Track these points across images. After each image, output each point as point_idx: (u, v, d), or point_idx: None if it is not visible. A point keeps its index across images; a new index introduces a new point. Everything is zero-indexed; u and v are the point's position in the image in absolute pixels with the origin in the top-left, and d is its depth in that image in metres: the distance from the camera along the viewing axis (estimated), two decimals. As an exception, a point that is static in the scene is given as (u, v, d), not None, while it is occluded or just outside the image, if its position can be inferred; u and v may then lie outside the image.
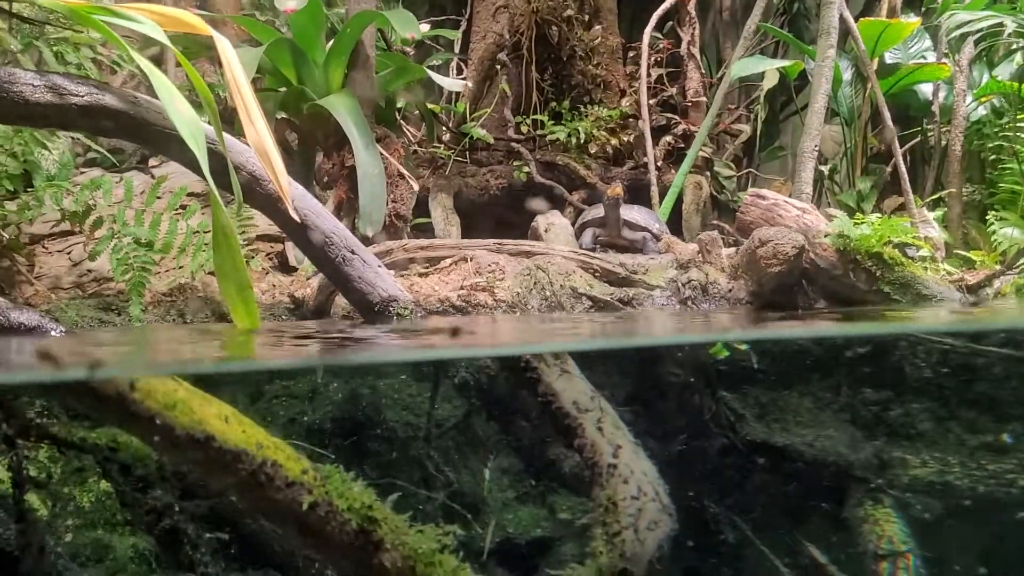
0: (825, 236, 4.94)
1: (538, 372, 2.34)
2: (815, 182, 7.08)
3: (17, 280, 4.56)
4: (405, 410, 4.10)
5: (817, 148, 5.69)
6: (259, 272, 5.55)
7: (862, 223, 4.88)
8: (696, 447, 3.69)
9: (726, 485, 3.81)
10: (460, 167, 7.72)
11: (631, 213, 5.67)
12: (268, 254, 5.74)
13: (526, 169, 7.49)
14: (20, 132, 4.23)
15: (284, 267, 5.88)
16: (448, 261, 4.76)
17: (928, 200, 5.74)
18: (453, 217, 6.73)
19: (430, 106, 7.69)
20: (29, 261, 4.73)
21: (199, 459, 1.78)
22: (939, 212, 5.66)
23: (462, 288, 4.46)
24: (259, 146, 2.49)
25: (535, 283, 4.65)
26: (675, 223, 7.10)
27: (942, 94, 5.98)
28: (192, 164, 2.54)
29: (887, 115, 5.50)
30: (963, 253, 5.19)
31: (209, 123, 2.58)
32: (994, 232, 5.05)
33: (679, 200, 7.20)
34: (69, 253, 5.02)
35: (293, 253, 6.05)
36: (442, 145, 7.74)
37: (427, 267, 4.78)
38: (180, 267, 5.11)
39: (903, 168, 5.49)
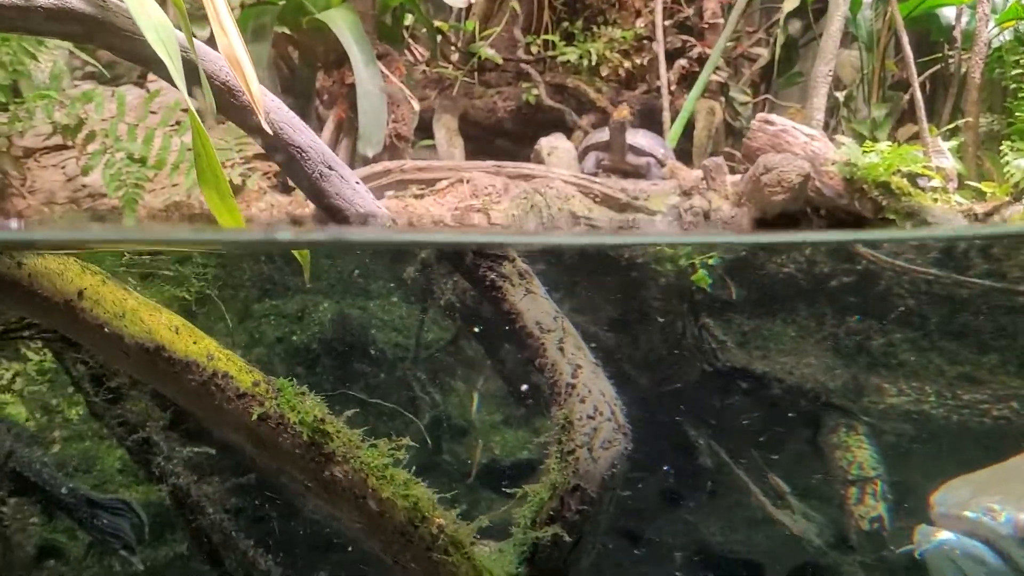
0: (832, 164, 4.82)
1: (503, 291, 2.30)
2: (832, 109, 6.89)
3: (9, 193, 4.54)
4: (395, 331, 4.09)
5: (831, 73, 5.51)
6: (256, 192, 5.50)
7: (870, 151, 4.75)
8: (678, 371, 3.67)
9: (707, 409, 3.82)
10: (468, 88, 7.55)
11: (636, 138, 5.55)
12: (266, 173, 5.67)
13: (535, 91, 7.31)
14: (7, 41, 4.15)
15: (285, 187, 5.82)
16: (445, 183, 4.68)
17: (944, 129, 5.57)
18: (457, 139, 6.61)
19: (438, 24, 7.50)
20: (21, 174, 4.70)
21: (148, 369, 1.76)
22: (955, 142, 5.49)
23: (456, 210, 4.39)
24: (231, 55, 2.41)
25: (532, 206, 4.57)
26: (686, 149, 6.95)
27: (964, 18, 5.75)
28: (165, 72, 2.46)
29: (905, 39, 5.30)
30: (974, 184, 5.05)
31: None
32: (1007, 163, 4.90)
33: (691, 126, 7.04)
34: (63, 167, 4.98)
35: (294, 172, 5.99)
36: (451, 65, 7.55)
37: (423, 189, 4.71)
38: (175, 184, 5.07)
39: (919, 95, 5.31)
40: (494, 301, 2.33)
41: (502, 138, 7.34)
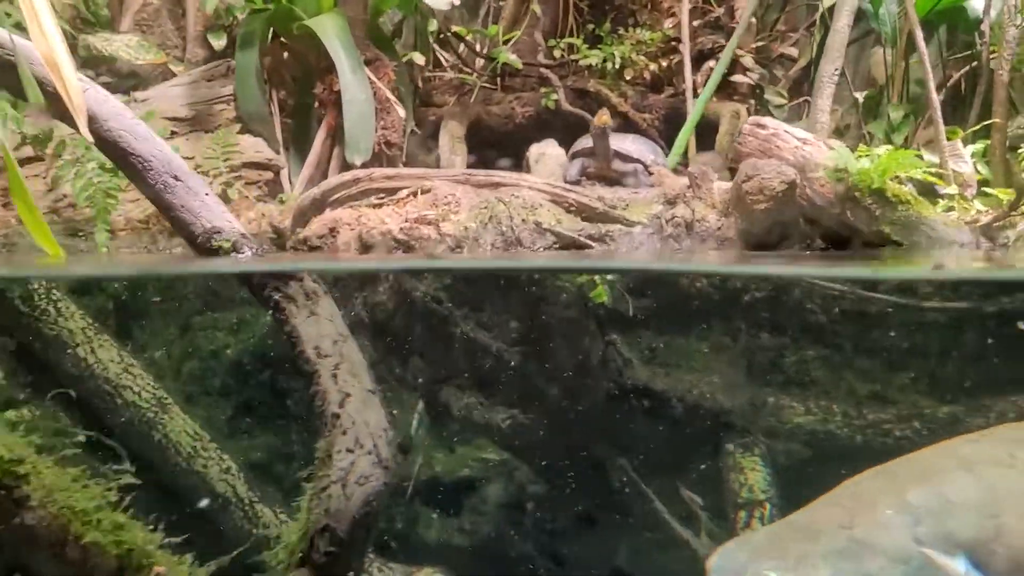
0: (823, 170, 4.43)
1: (286, 312, 2.12)
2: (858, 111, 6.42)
3: (-20, 204, 4.61)
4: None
5: (838, 72, 5.10)
6: (241, 200, 5.45)
7: (865, 155, 4.34)
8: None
9: (614, 428, 3.57)
10: (487, 94, 7.37)
11: (624, 143, 5.26)
12: (256, 182, 5.64)
13: (554, 96, 7.06)
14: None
15: (275, 196, 5.76)
16: (405, 192, 4.51)
17: (969, 131, 5.07)
18: (460, 146, 6.43)
19: (456, 29, 7.36)
20: (-7, 184, 4.77)
21: None
22: (981, 144, 5.00)
23: (407, 221, 4.22)
24: (49, 58, 2.30)
25: (491, 217, 4.35)
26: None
27: (994, 11, 5.22)
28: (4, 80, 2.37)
29: (919, 34, 4.85)
30: (989, 191, 4.57)
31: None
32: (1027, 168, 4.41)
33: (714, 130, 6.69)
34: (45, 178, 5.04)
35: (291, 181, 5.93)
36: (474, 72, 7.38)
37: (383, 198, 4.56)
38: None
39: (934, 95, 4.84)
40: (278, 322, 2.16)
41: (520, 144, 7.14)
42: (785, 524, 2.06)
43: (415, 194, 4.50)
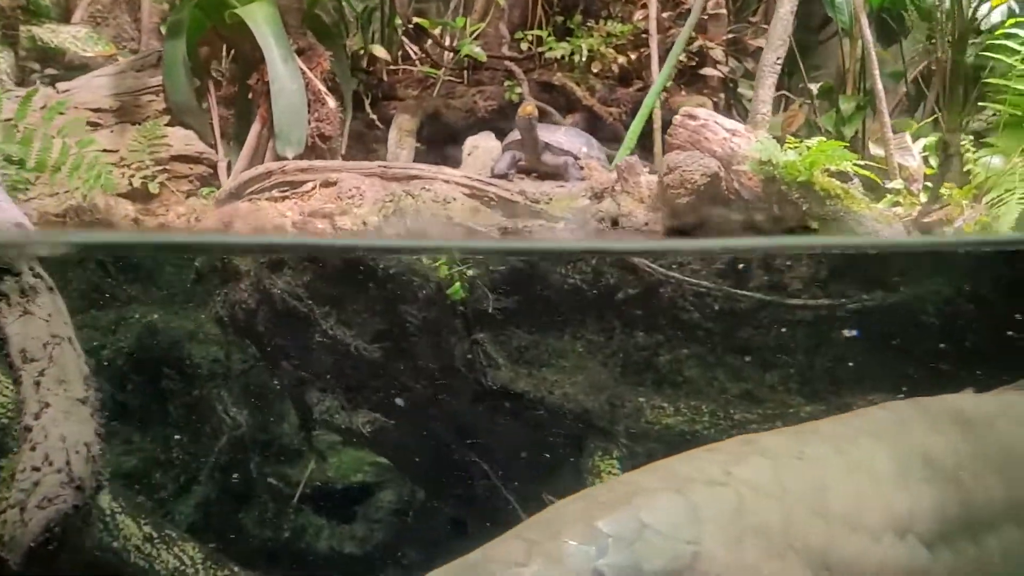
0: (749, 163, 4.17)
1: None
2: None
3: None
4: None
5: (780, 61, 4.83)
6: (170, 195, 5.30)
7: (793, 147, 4.07)
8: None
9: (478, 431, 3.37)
10: (450, 87, 7.16)
11: (555, 135, 5.03)
12: (187, 176, 5.47)
13: (518, 90, 6.83)
14: None
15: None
16: (310, 185, 4.33)
17: (924, 122, 4.77)
18: (408, 140, 6.22)
19: (417, 20, 7.17)
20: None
21: None
22: (933, 137, 4.70)
23: (302, 214, 4.03)
24: None
25: (395, 211, 4.15)
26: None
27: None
28: None
29: (865, 20, 4.56)
30: (928, 185, 4.27)
31: None
32: (972, 160, 4.11)
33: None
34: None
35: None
36: (442, 67, 7.17)
37: (284, 191, 4.37)
38: (67, 190, 4.93)
39: (879, 85, 4.56)
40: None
41: (485, 139, 6.92)
42: (462, 562, 1.81)
43: (320, 187, 4.30)
